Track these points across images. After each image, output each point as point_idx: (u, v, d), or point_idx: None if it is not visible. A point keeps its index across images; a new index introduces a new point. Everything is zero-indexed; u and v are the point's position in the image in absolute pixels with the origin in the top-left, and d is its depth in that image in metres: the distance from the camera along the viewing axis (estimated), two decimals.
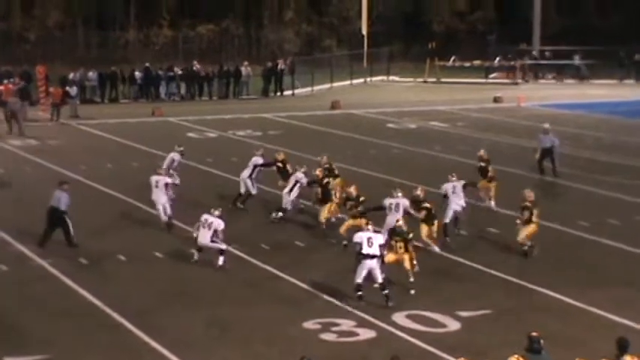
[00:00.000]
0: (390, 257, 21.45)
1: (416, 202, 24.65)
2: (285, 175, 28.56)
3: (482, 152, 30.19)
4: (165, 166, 28.81)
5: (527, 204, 24.23)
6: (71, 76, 50.28)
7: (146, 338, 18.59)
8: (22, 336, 18.70)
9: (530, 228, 24.05)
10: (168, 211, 26.21)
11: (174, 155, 30.18)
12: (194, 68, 55.48)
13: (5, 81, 46.63)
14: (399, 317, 19.85)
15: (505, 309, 20.37)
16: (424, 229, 24.30)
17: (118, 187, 31.16)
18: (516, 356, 13.58)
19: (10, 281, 22.15)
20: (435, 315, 20.00)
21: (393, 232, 22.50)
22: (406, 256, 21.65)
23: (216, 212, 23.19)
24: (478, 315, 20.06)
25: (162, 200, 26.28)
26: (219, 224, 22.92)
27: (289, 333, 19.05)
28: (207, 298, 21.08)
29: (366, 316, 19.82)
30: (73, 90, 47.99)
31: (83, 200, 28.15)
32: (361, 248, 20.48)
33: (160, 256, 24.08)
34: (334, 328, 19.24)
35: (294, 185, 27.13)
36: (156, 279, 22.40)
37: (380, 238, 20.81)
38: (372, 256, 20.39)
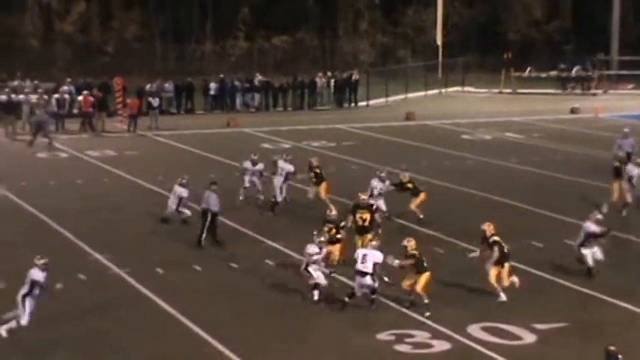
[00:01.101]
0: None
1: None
2: (320, 180, 29.48)
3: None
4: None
5: (493, 238, 21.92)
6: (148, 87, 50.67)
7: (221, 347, 18.70)
8: (102, 344, 18.87)
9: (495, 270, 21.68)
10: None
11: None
12: (255, 81, 55.68)
13: (84, 92, 47.19)
14: (474, 329, 19.74)
15: (581, 322, 20.15)
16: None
17: (193, 199, 31.35)
18: None
19: (89, 290, 22.38)
20: (511, 327, 19.86)
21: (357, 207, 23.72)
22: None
23: (183, 181, 27.15)
24: (554, 328, 19.89)
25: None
26: (182, 192, 27.10)
27: (363, 344, 19.03)
28: (279, 307, 21.12)
29: (441, 328, 19.74)
30: (155, 101, 48.54)
31: (160, 210, 28.44)
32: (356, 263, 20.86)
33: (234, 266, 24.23)
34: (408, 340, 19.18)
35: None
36: (229, 289, 22.50)
37: (377, 256, 20.73)
38: (364, 274, 20.58)
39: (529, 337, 19.46)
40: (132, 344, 18.96)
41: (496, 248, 21.49)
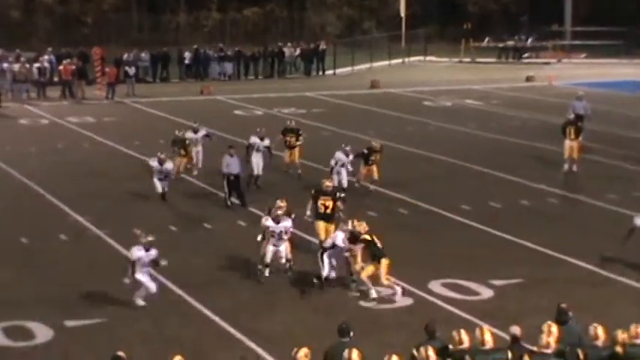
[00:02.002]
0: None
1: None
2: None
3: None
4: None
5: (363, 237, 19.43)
6: (125, 56, 50.47)
7: (199, 306, 18.69)
8: (80, 301, 18.83)
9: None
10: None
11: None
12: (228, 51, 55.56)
13: (64, 61, 46.96)
14: (435, 285, 19.85)
15: (536, 278, 20.28)
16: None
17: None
18: (549, 323, 13.52)
19: (70, 249, 22.36)
20: (469, 283, 19.99)
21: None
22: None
23: (161, 156, 26.28)
24: (510, 284, 20.02)
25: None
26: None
27: (332, 300, 19.09)
28: (253, 267, 21.14)
29: (403, 284, 19.82)
30: (132, 70, 48.54)
31: (138, 173, 28.40)
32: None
33: (208, 227, 24.24)
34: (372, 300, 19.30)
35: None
36: (208, 250, 22.47)
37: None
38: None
39: (487, 293, 19.58)
40: (107, 298, 18.94)
41: (361, 245, 19.27)
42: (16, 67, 46.13)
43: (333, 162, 26.71)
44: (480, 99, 47.23)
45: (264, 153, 27.98)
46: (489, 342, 13.14)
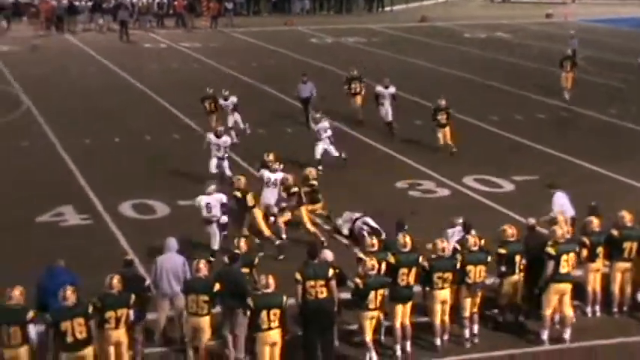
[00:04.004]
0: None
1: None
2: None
3: None
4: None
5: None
6: None
7: None
8: (190, 184, 18.74)
9: None
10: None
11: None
12: None
13: None
14: (468, 180, 19.79)
15: (550, 175, 20.06)
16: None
17: (256, 78, 31.37)
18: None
19: (182, 145, 22.38)
20: (495, 178, 19.90)
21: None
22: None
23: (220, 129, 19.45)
24: (528, 180, 19.86)
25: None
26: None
27: (384, 190, 19.05)
28: None
29: (443, 179, 19.80)
30: (230, 5, 48.41)
31: (234, 86, 28.43)
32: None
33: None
34: (419, 187, 19.29)
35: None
36: None
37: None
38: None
39: (509, 186, 19.51)
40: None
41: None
42: (140, 2, 46.28)
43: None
44: (508, 32, 46.23)
45: (390, 100, 23.31)
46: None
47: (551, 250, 12.38)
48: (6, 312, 10.53)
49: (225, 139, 19.09)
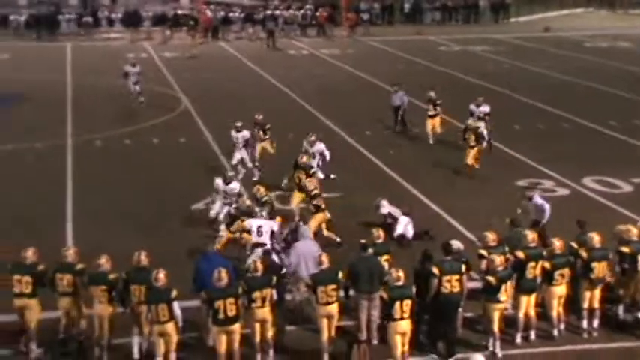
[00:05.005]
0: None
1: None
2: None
3: None
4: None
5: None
6: (362, 6, 50.51)
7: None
8: None
9: None
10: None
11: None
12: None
13: (320, 9, 47.27)
14: (587, 180, 19.22)
15: None
16: None
17: (387, 82, 31.22)
18: None
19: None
20: (614, 180, 19.24)
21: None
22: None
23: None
24: None
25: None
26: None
27: (505, 188, 18.69)
28: None
29: (562, 179, 19.29)
30: (366, 15, 48.58)
31: (366, 90, 28.49)
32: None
33: None
34: (539, 187, 18.78)
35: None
36: None
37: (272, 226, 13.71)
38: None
39: (627, 188, 18.83)
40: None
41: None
42: (286, 13, 46.98)
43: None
44: (629, 41, 44.51)
45: (484, 120, 21.02)
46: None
47: None
48: (156, 292, 10.98)
49: (233, 187, 15.80)
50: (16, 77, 32.04)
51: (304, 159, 17.28)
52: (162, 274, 11.00)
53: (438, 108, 22.40)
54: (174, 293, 10.96)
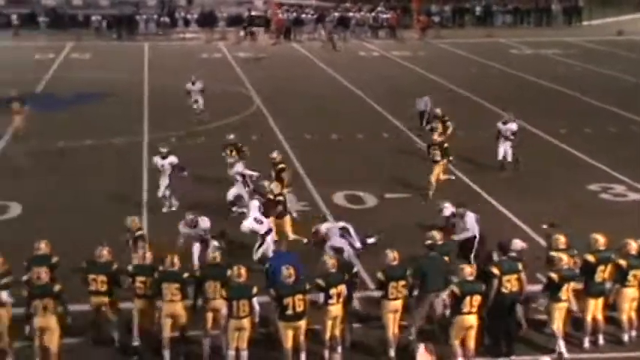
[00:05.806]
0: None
1: None
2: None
3: None
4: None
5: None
6: (433, 8, 50.17)
7: None
8: (390, 180, 18.99)
9: None
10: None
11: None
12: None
13: (391, 12, 47.11)
14: None
15: None
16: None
17: (458, 84, 30.94)
18: None
19: (391, 144, 22.51)
20: None
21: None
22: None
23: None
24: None
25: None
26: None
27: (578, 193, 18.30)
28: None
29: (634, 183, 18.78)
30: (437, 18, 48.25)
31: (434, 90, 28.25)
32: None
33: None
34: (610, 191, 18.40)
35: None
36: None
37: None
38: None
39: None
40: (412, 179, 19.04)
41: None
42: (358, 15, 46.95)
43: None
44: None
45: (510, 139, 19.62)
46: None
47: None
48: (237, 288, 11.07)
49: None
50: (97, 76, 32.72)
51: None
52: (243, 270, 11.12)
53: (449, 123, 20.42)
54: (255, 289, 11.05)
